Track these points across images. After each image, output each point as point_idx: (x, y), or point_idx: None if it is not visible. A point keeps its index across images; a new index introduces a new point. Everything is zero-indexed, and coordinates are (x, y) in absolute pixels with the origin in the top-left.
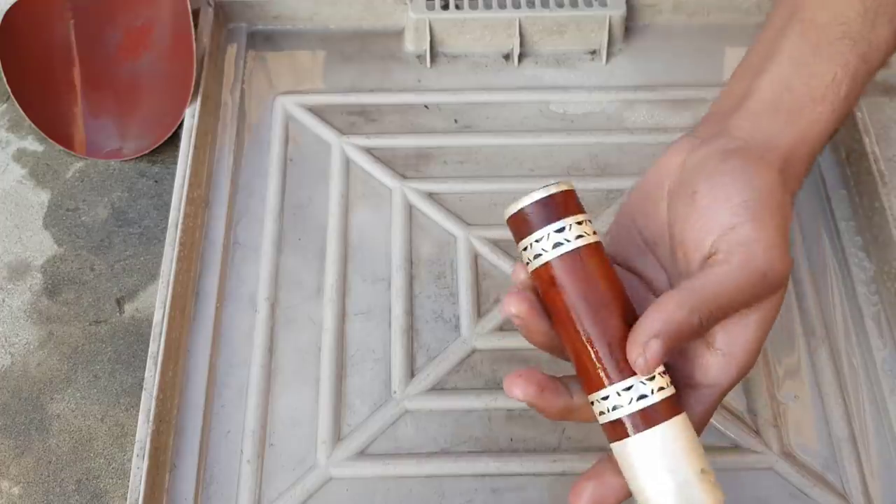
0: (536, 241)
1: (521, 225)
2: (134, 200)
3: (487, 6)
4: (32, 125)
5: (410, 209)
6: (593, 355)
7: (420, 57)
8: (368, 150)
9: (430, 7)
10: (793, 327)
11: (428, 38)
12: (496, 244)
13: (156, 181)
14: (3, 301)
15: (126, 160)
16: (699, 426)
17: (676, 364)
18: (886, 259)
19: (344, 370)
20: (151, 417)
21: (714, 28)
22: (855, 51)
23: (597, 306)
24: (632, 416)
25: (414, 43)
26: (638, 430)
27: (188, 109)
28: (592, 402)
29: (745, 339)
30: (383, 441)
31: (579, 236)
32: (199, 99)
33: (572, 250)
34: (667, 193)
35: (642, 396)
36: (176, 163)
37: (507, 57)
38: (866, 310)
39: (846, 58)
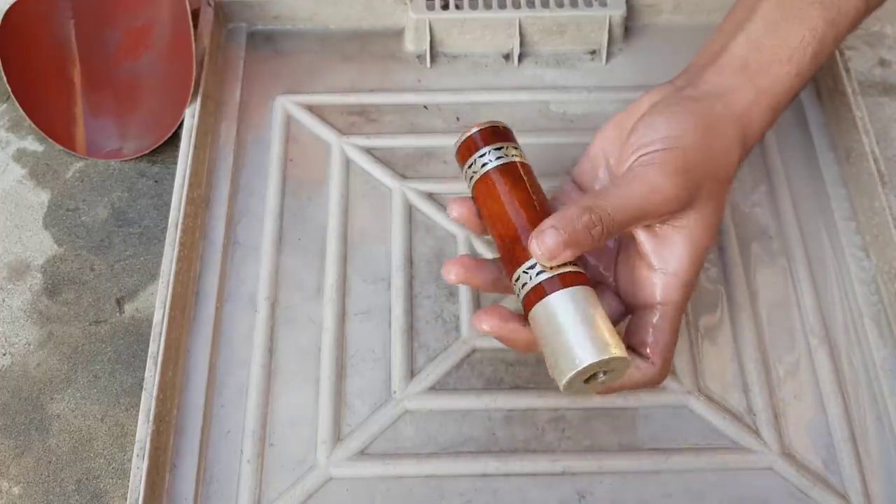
0: (480, 156)
1: (470, 147)
2: (134, 200)
3: (487, 6)
4: (32, 125)
5: (410, 209)
6: (514, 242)
7: (420, 57)
8: (368, 150)
9: (430, 7)
10: (793, 327)
11: (428, 38)
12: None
13: (156, 181)
14: (3, 301)
15: (126, 160)
16: (671, 344)
17: (633, 289)
18: (886, 259)
19: (344, 370)
20: (151, 417)
21: (714, 28)
22: (824, 16)
23: (524, 204)
24: (535, 287)
25: (414, 43)
26: (540, 296)
27: (188, 109)
28: (514, 287)
29: (675, 257)
30: (383, 441)
31: (515, 155)
32: (199, 99)
33: (508, 162)
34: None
35: (541, 271)
36: (176, 163)
37: (507, 57)
38: (866, 310)
39: (815, 22)
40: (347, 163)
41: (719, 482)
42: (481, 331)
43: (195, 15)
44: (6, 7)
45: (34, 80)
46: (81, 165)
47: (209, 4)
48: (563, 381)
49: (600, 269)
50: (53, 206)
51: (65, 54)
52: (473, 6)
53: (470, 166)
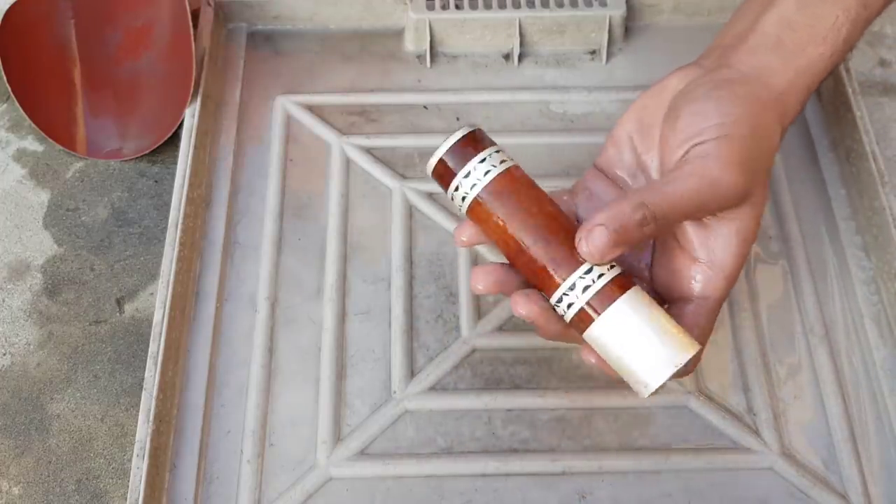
0: (465, 177)
1: (446, 170)
2: (134, 200)
3: (487, 6)
4: (33, 125)
5: (410, 209)
6: (540, 262)
7: (420, 57)
8: (368, 150)
9: (430, 7)
10: (793, 327)
11: (428, 38)
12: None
13: (156, 181)
14: (3, 301)
15: (126, 160)
16: (703, 336)
17: (671, 281)
18: (886, 259)
19: (344, 370)
20: (151, 417)
21: (714, 28)
22: None
23: (536, 216)
24: (586, 305)
25: (414, 43)
26: (597, 313)
27: (188, 109)
28: (556, 308)
29: (723, 249)
30: (383, 441)
31: (502, 161)
32: (199, 99)
33: (501, 172)
34: (663, 114)
35: (587, 287)
36: (176, 163)
37: (507, 57)
38: (866, 310)
39: (848, 2)
40: (347, 163)
41: (719, 482)
42: (516, 313)
43: (195, 15)
44: (6, 7)
45: (34, 80)
46: (81, 165)
47: (209, 4)
48: (649, 393)
49: (631, 261)
50: (53, 206)
51: (65, 54)
52: (473, 6)
53: (456, 190)
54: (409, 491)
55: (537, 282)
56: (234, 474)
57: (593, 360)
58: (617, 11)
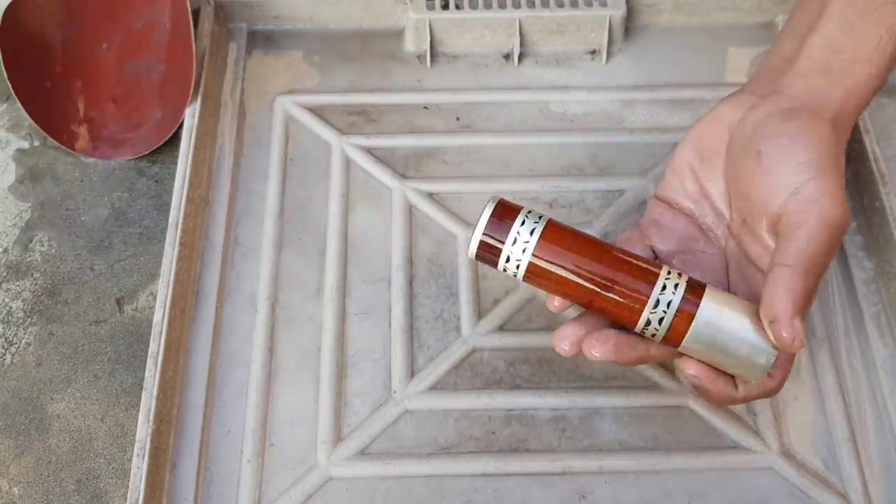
0: (513, 244)
1: (490, 247)
2: (134, 200)
3: (487, 6)
4: (33, 124)
5: (410, 209)
6: (615, 298)
7: (420, 57)
8: (368, 150)
9: (430, 7)
10: None
11: (428, 38)
12: None
13: (156, 181)
14: (3, 301)
15: (126, 160)
16: (793, 358)
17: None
18: (886, 259)
19: (344, 370)
20: (151, 417)
21: (714, 28)
22: None
23: (593, 257)
24: (675, 317)
25: (414, 43)
26: (690, 319)
27: (188, 109)
28: (643, 334)
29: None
30: (383, 441)
31: (539, 217)
32: (199, 99)
33: (545, 227)
34: (728, 148)
35: (669, 302)
36: (176, 163)
37: (507, 57)
38: (866, 310)
39: (891, 21)
40: (347, 163)
41: (719, 482)
42: (592, 358)
43: (195, 15)
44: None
45: (35, 80)
46: (81, 165)
47: (209, 4)
48: (768, 368)
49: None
50: (53, 206)
51: (66, 54)
52: (473, 6)
53: (507, 261)
54: (409, 491)
55: (617, 317)
56: (234, 474)
57: (691, 371)
58: (617, 11)
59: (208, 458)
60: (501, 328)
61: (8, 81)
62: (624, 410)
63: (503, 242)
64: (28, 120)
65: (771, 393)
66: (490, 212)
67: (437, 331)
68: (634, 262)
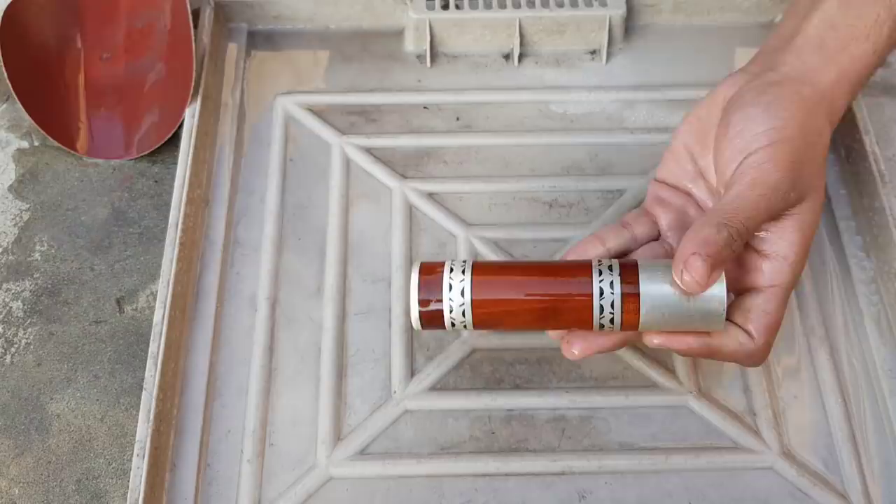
0: (450, 290)
1: (429, 308)
2: (134, 200)
3: (487, 6)
4: (33, 124)
5: (410, 209)
6: (567, 305)
7: (420, 57)
8: (368, 150)
9: (430, 7)
10: (793, 327)
11: (428, 38)
12: (496, 244)
13: (156, 181)
14: (3, 301)
15: (126, 160)
16: (774, 324)
17: (738, 275)
18: (886, 259)
19: (344, 370)
20: (151, 417)
21: (714, 28)
22: None
23: (527, 277)
24: (623, 305)
25: (414, 43)
26: (637, 309)
27: (188, 109)
28: (602, 327)
29: (786, 241)
30: (383, 441)
31: (464, 261)
32: (199, 99)
33: (473, 265)
34: (716, 125)
35: (612, 302)
36: (176, 163)
37: (507, 57)
38: (866, 310)
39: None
40: (347, 163)
41: (719, 482)
42: (573, 358)
43: (195, 15)
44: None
45: (35, 80)
46: (81, 165)
47: (209, 4)
48: (724, 313)
49: None
50: (53, 206)
51: (67, 54)
52: (473, 6)
53: (451, 311)
54: (409, 491)
55: (576, 321)
56: (234, 474)
57: (657, 342)
58: (617, 11)
59: (208, 458)
60: None
61: (8, 81)
62: (624, 410)
63: (440, 295)
64: (28, 120)
65: (757, 357)
66: (416, 276)
67: (437, 331)
68: (565, 266)
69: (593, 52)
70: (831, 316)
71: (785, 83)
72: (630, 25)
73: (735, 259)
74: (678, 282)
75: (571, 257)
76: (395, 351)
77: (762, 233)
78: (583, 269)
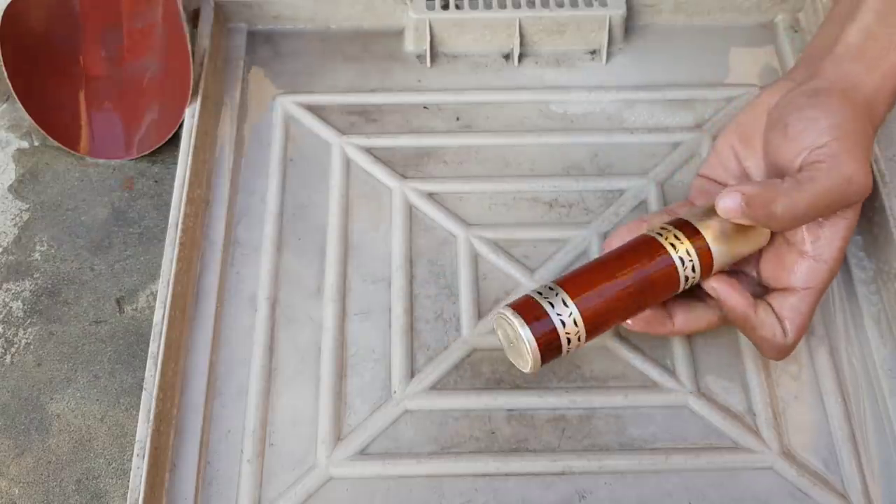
0: (562, 323)
1: (550, 344)
2: (134, 200)
3: (487, 6)
4: (33, 124)
5: (410, 209)
6: (657, 280)
7: (420, 57)
8: (368, 150)
9: (430, 7)
10: None
11: (428, 38)
12: (496, 244)
13: (156, 181)
14: (3, 301)
15: (126, 160)
16: (802, 326)
17: (778, 274)
18: (886, 259)
19: (344, 370)
20: (151, 417)
21: (714, 28)
22: None
23: (611, 271)
24: (699, 259)
25: (414, 43)
26: (708, 252)
27: (188, 109)
28: (687, 280)
29: (830, 244)
30: (383, 441)
31: (545, 287)
32: (199, 99)
33: (563, 285)
34: (764, 129)
35: (677, 238)
36: (176, 163)
37: (507, 57)
38: (866, 310)
39: None
40: (347, 163)
41: (719, 482)
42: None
43: (195, 15)
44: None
45: (36, 80)
46: (81, 165)
47: (209, 3)
48: (766, 238)
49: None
50: (53, 206)
51: (67, 54)
52: (473, 6)
53: (569, 343)
54: (409, 491)
55: (666, 286)
56: (234, 474)
57: (714, 284)
58: (617, 11)
59: (208, 458)
60: None
61: (8, 81)
62: (624, 410)
63: (551, 325)
64: (28, 120)
65: (783, 352)
66: (518, 319)
67: (437, 331)
68: (632, 247)
69: (593, 52)
70: (831, 316)
71: (832, 89)
72: (630, 25)
73: (776, 259)
74: (717, 202)
75: (616, 242)
76: (395, 351)
77: (808, 232)
78: (646, 242)
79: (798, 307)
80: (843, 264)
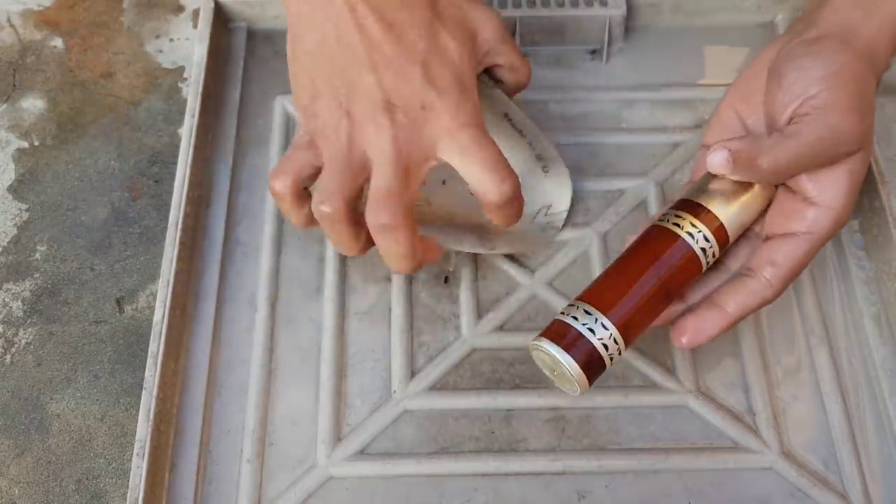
0: (601, 341)
1: (594, 365)
2: (134, 200)
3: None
4: (33, 124)
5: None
6: (679, 269)
7: None
8: None
9: None
10: (793, 327)
11: None
12: None
13: (156, 181)
14: (3, 301)
15: (125, 162)
16: (796, 271)
17: (781, 220)
18: (886, 259)
19: (344, 370)
20: (151, 417)
21: (714, 28)
22: None
23: (635, 271)
24: (714, 235)
25: None
26: (718, 223)
27: (188, 109)
28: (709, 263)
29: (834, 190)
30: (383, 441)
31: (571, 304)
32: (199, 99)
33: (587, 298)
34: (764, 83)
35: (692, 225)
36: (176, 162)
37: None
38: (866, 310)
39: None
40: None
41: (719, 482)
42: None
43: (195, 15)
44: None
45: None
46: (81, 165)
47: (209, 3)
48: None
49: None
50: (53, 206)
51: None
52: None
53: (611, 359)
54: (409, 491)
55: (690, 273)
56: (234, 474)
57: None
58: (617, 11)
59: (208, 458)
60: (501, 328)
61: None
62: (623, 410)
63: (589, 346)
64: (28, 120)
65: (768, 299)
66: (556, 348)
67: (437, 331)
68: (644, 242)
69: (593, 52)
70: (831, 316)
71: (829, 36)
72: (630, 25)
73: (780, 206)
74: (707, 165)
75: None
76: (395, 351)
77: (809, 180)
78: (651, 232)
79: (794, 253)
80: (847, 217)
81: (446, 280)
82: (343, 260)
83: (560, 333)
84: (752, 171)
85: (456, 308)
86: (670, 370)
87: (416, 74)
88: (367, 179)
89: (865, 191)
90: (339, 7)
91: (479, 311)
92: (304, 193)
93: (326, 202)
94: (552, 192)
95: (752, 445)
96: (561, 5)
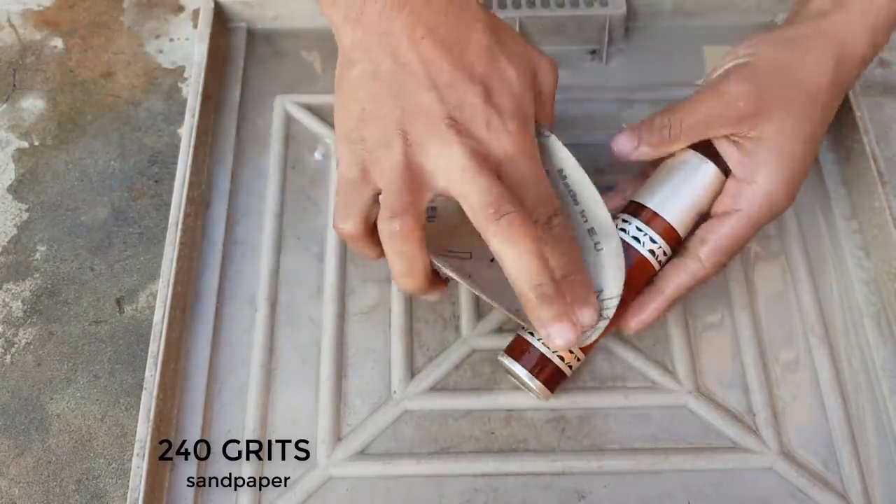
0: (553, 351)
1: (550, 373)
2: (134, 200)
3: (487, 6)
4: (33, 124)
5: None
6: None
7: None
8: None
9: None
10: (792, 327)
11: None
12: None
13: (156, 181)
14: (3, 301)
15: (124, 162)
16: (735, 246)
17: (720, 202)
18: (886, 259)
19: (344, 370)
20: (151, 417)
21: (714, 28)
22: None
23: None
24: (656, 231)
25: None
26: (664, 223)
27: (188, 109)
28: (661, 264)
29: (760, 166)
30: (383, 441)
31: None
32: (199, 99)
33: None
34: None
35: (638, 230)
36: (176, 163)
37: None
38: (866, 309)
39: None
40: None
41: (719, 482)
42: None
43: (195, 15)
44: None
45: None
46: (81, 165)
47: (209, 3)
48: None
49: None
50: (53, 206)
51: None
52: None
53: (563, 360)
54: (409, 491)
55: (644, 278)
56: (233, 474)
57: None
58: (617, 11)
59: (208, 458)
60: (501, 328)
61: None
62: (623, 410)
63: (541, 352)
64: (28, 120)
65: (705, 278)
66: (514, 363)
67: (437, 331)
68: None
69: (593, 52)
70: (831, 315)
71: (788, 25)
72: (630, 25)
73: (725, 189)
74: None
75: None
76: (395, 351)
77: (737, 159)
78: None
79: (733, 231)
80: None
81: (446, 280)
82: (343, 260)
83: (520, 350)
84: (652, 144)
85: (456, 308)
86: (670, 370)
87: (477, 94)
88: (428, 199)
89: (865, 191)
90: (397, 30)
91: (479, 312)
92: (375, 228)
93: (396, 219)
94: (604, 275)
95: (752, 445)
96: (561, 5)
